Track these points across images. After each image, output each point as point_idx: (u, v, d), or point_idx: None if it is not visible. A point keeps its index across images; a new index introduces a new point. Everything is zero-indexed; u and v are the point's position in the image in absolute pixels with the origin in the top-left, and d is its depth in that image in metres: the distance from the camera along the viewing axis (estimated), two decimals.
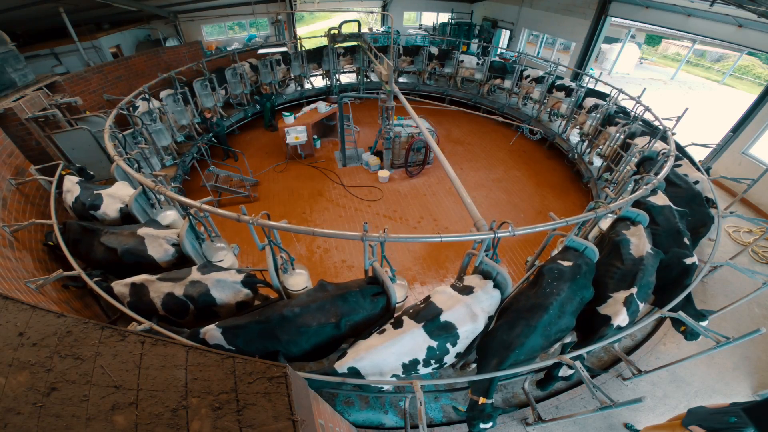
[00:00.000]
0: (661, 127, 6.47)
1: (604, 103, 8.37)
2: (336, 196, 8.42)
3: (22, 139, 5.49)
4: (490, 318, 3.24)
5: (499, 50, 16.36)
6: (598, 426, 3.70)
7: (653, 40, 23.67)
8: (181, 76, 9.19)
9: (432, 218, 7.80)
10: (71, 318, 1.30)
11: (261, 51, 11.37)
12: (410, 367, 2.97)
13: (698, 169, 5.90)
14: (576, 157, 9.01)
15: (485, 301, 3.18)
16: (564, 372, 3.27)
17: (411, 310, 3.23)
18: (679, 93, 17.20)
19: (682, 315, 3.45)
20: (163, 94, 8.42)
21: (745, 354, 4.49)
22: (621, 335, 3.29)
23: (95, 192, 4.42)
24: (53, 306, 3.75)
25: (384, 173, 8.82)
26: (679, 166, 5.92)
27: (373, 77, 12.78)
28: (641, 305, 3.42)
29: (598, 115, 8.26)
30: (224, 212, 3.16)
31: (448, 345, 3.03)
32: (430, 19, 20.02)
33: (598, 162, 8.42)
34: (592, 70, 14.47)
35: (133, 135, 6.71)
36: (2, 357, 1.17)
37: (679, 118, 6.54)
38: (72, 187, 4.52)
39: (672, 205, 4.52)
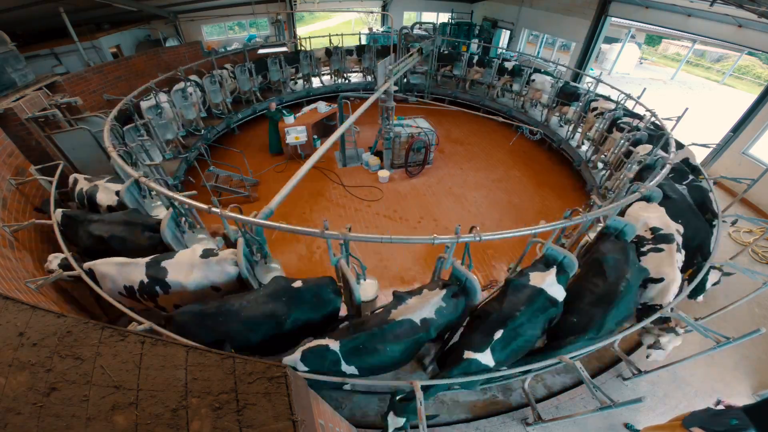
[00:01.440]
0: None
1: (659, 151, 5.97)
2: (336, 196, 8.41)
3: (22, 139, 5.49)
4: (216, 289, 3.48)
5: (498, 50, 16.37)
6: (598, 426, 3.70)
7: (653, 40, 23.67)
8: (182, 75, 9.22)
9: (432, 218, 7.80)
10: (71, 318, 1.31)
11: (261, 51, 11.37)
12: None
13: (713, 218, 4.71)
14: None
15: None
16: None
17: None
18: (679, 93, 17.19)
19: (682, 315, 3.45)
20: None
21: (745, 354, 4.50)
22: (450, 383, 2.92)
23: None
24: (53, 306, 3.76)
25: (384, 173, 8.81)
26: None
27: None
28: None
29: (634, 165, 6.18)
30: (301, 229, 3.13)
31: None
32: (430, 19, 20.01)
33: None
34: (592, 70, 14.47)
35: (157, 106, 7.63)
36: (2, 357, 1.17)
37: (679, 118, 6.54)
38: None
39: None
